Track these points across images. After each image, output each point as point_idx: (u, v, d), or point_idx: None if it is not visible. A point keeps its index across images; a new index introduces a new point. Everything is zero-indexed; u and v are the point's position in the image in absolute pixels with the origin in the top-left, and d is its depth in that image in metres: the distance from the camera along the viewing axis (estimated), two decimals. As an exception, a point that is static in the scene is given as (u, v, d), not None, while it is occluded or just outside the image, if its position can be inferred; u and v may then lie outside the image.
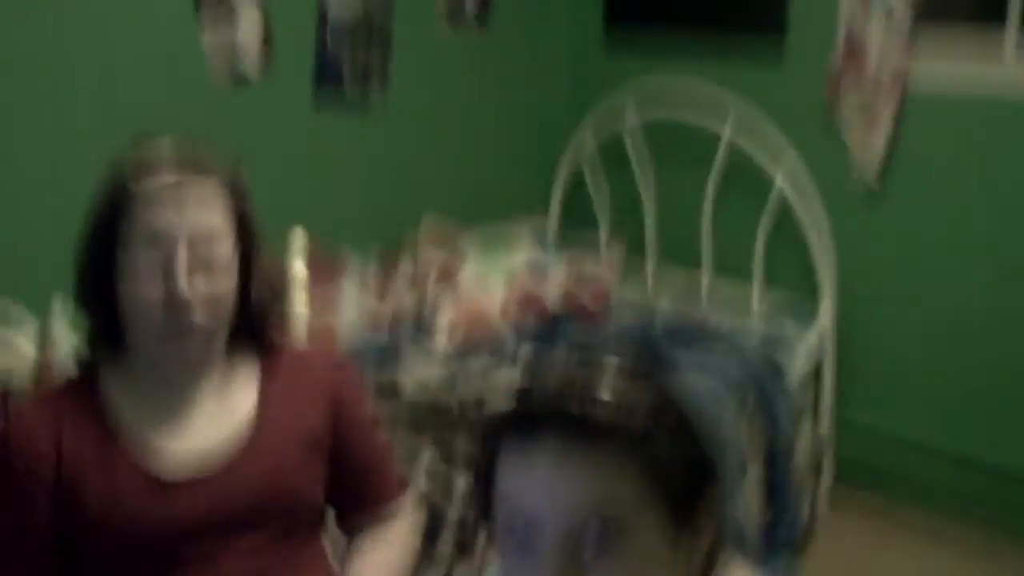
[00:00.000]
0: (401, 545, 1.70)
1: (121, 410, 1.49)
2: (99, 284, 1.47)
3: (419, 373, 2.96)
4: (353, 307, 3.32)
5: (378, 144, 3.84)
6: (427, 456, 2.54)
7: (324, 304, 3.13)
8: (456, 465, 2.53)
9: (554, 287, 3.58)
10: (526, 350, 3.23)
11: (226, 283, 1.47)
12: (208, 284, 1.44)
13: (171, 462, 1.49)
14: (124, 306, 1.46)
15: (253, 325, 1.56)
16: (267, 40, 3.41)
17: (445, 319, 3.29)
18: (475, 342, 3.23)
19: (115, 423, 1.48)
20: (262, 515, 1.52)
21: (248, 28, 3.37)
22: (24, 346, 2.24)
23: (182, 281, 1.40)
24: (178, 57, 3.24)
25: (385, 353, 3.06)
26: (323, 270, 3.30)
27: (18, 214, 2.89)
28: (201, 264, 1.43)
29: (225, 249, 1.46)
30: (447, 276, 3.51)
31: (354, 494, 1.66)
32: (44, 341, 2.29)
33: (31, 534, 1.45)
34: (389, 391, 2.84)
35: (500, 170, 4.26)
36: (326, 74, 3.62)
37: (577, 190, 4.26)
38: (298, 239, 2.11)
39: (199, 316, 1.44)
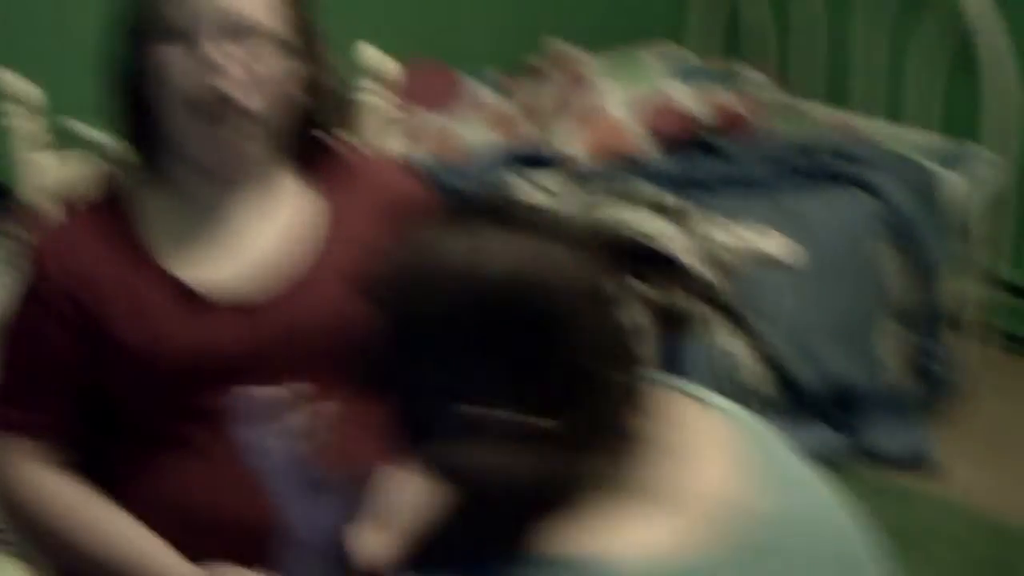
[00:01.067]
0: None
1: (156, 227, 1.38)
2: (130, 87, 1.36)
3: (556, 195, 2.76)
4: (470, 135, 3.13)
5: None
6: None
7: (435, 130, 2.92)
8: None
9: (704, 103, 3.28)
10: (673, 166, 3.02)
11: (270, 63, 1.32)
12: (261, 81, 1.31)
13: (214, 280, 1.37)
14: (166, 116, 1.33)
15: (312, 129, 1.41)
16: None
17: (577, 137, 3.06)
18: (617, 163, 3.00)
19: (148, 240, 1.38)
20: (323, 353, 1.31)
21: None
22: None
23: (234, 79, 1.28)
24: None
25: (507, 178, 2.88)
26: (437, 93, 3.10)
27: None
28: (251, 62, 1.30)
29: (265, 45, 1.31)
30: (571, 106, 3.26)
31: None
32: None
33: (58, 362, 1.37)
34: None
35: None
36: None
37: (719, 13, 3.88)
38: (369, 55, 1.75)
39: (237, 90, 1.29)
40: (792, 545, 0.91)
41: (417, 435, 0.89)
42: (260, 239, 1.38)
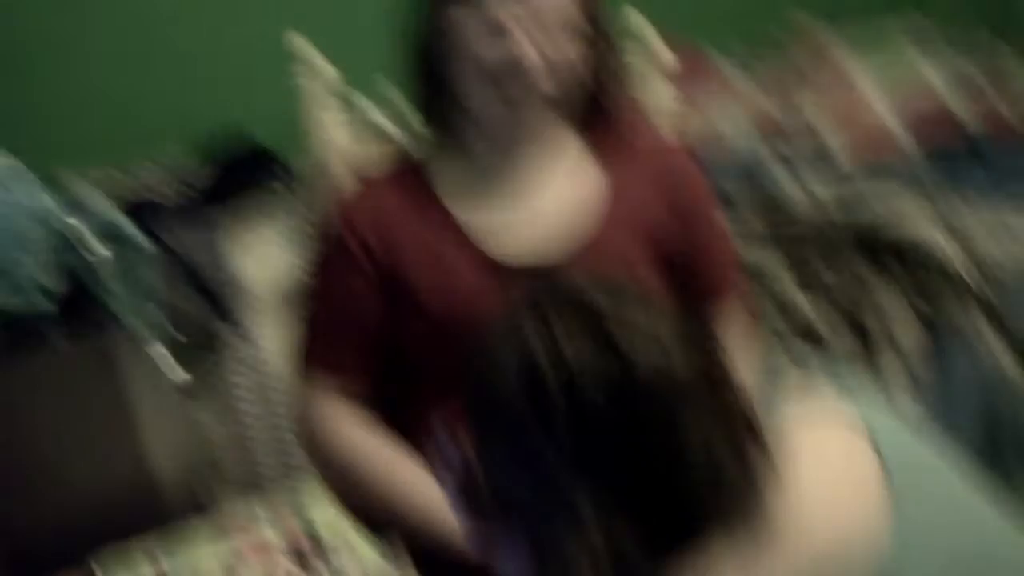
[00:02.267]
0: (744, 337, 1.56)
1: (454, 195, 1.41)
2: (423, 52, 1.38)
3: (814, 190, 2.69)
4: (726, 112, 3.01)
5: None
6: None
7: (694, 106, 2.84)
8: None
9: (968, 100, 3.11)
10: (937, 176, 2.85)
11: (568, 48, 1.33)
12: (549, 45, 1.32)
13: (511, 246, 1.39)
14: (457, 81, 1.35)
15: (597, 102, 1.42)
16: None
17: (839, 136, 2.94)
18: (877, 162, 2.89)
19: (447, 207, 1.41)
20: None
21: None
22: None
23: (524, 43, 1.29)
24: None
25: (763, 166, 2.82)
26: (691, 75, 2.98)
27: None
28: (539, 26, 1.31)
29: (569, 12, 1.33)
30: (820, 84, 3.12)
31: (683, 289, 1.49)
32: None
33: (364, 320, 1.41)
34: (771, 207, 2.62)
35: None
36: None
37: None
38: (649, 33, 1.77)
39: (542, 81, 1.31)
40: None
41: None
42: (551, 205, 1.41)
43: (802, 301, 2.40)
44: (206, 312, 2.33)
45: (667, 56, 1.63)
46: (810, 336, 2.37)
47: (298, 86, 1.64)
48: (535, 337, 0.84)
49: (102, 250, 1.92)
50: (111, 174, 2.67)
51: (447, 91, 1.37)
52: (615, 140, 1.45)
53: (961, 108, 3.07)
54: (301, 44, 1.63)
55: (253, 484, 2.41)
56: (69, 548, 1.72)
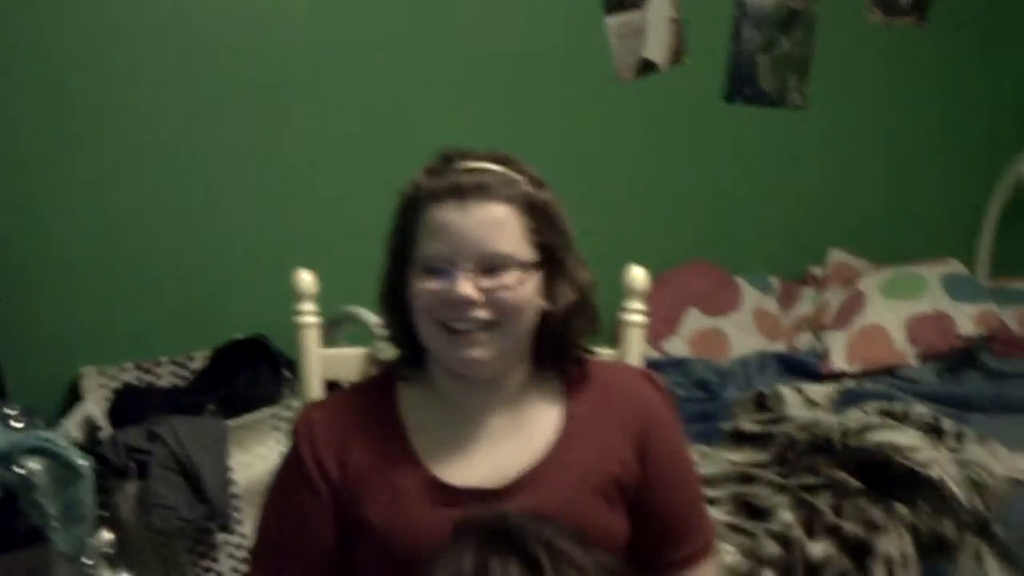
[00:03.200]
0: None
1: (414, 420, 1.47)
2: (394, 301, 1.46)
3: (804, 410, 2.65)
4: (740, 340, 3.12)
5: (791, 147, 3.53)
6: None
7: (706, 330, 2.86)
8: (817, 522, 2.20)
9: (969, 314, 3.13)
10: (931, 378, 2.92)
11: (517, 293, 1.39)
12: (494, 284, 1.38)
13: (459, 474, 1.44)
14: (414, 316, 1.43)
15: (557, 341, 1.47)
16: (677, 25, 3.17)
17: (841, 341, 3.00)
18: (874, 367, 2.95)
19: (406, 431, 1.46)
20: None
21: (658, 11, 3.11)
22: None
23: (461, 283, 1.36)
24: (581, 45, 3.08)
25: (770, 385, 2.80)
26: (714, 296, 3.13)
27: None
28: (486, 272, 1.38)
29: (514, 273, 1.39)
30: (845, 319, 3.15)
31: (652, 549, 1.50)
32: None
33: (313, 539, 1.44)
34: (763, 405, 2.60)
35: (923, 201, 3.72)
36: (740, 65, 3.32)
37: (1012, 228, 3.61)
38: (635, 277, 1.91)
39: (481, 312, 1.37)
40: None
41: None
42: (506, 443, 1.45)
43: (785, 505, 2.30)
44: (189, 501, 2.25)
45: (639, 276, 1.71)
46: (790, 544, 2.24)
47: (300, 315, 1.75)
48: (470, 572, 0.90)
49: (33, 464, 1.93)
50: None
51: (415, 333, 1.44)
52: (579, 373, 1.49)
53: (967, 325, 3.09)
54: (306, 278, 1.77)
55: None
56: None
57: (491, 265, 1.37)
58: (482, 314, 1.37)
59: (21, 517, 1.93)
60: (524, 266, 1.39)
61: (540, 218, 1.41)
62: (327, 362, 1.74)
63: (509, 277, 1.37)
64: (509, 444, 1.44)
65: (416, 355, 1.48)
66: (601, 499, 1.43)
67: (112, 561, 2.09)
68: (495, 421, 1.45)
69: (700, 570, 1.52)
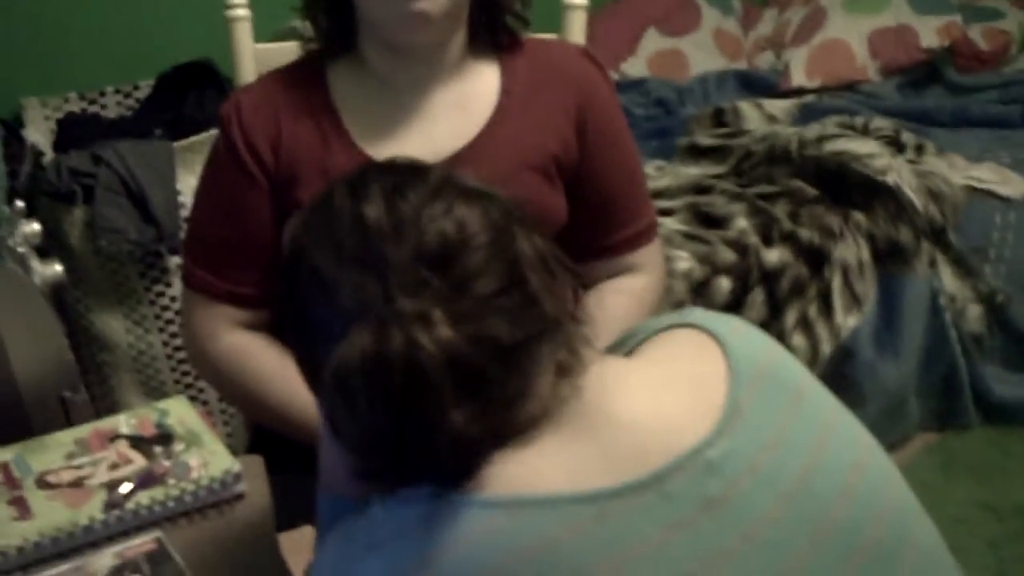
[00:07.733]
0: (640, 303, 1.50)
1: (347, 101, 1.42)
2: None
3: (763, 125, 2.63)
4: (699, 59, 3.06)
5: None
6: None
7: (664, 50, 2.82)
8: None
9: (933, 27, 3.06)
10: (892, 93, 2.89)
11: None
12: None
13: (394, 153, 1.34)
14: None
15: (492, 16, 1.43)
16: None
17: (801, 56, 2.94)
18: (834, 82, 2.91)
19: (339, 112, 1.41)
20: None
21: None
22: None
23: None
24: None
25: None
26: (675, 17, 3.08)
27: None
28: None
29: None
30: (804, 37, 3.08)
31: (591, 232, 1.49)
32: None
33: (253, 228, 1.41)
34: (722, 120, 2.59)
35: None
36: None
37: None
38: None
39: (426, 3, 1.30)
40: (734, 500, 0.84)
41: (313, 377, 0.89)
42: (441, 122, 1.41)
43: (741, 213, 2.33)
44: (137, 224, 2.22)
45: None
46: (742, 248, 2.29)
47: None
48: (341, 197, 0.88)
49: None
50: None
51: (348, 5, 1.37)
52: (516, 48, 1.45)
53: (931, 40, 3.01)
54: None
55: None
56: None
57: None
58: (427, 5, 1.29)
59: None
60: None
61: None
62: (261, 56, 1.65)
63: None
64: (445, 122, 1.41)
65: (347, 33, 1.42)
66: (540, 176, 1.42)
67: (62, 287, 2.07)
68: (431, 99, 1.41)
69: (646, 251, 1.53)
